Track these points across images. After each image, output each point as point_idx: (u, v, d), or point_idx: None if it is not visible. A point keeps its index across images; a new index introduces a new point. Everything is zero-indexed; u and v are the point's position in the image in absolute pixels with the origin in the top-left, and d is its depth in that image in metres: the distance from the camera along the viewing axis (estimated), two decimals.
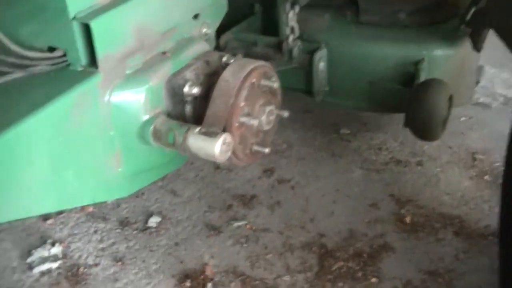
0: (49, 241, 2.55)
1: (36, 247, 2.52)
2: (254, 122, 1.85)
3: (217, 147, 1.74)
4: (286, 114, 2.03)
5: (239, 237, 2.54)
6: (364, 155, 3.00)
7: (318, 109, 3.30)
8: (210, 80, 1.89)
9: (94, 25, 1.60)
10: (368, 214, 2.62)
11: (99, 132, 1.78)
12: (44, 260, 2.45)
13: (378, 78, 2.50)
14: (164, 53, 1.90)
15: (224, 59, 1.97)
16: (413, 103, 2.33)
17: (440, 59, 2.48)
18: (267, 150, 1.95)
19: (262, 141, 1.99)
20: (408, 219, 2.56)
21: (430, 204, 2.65)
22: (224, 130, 1.78)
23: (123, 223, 2.62)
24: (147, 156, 1.93)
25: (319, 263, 2.39)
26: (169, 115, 1.88)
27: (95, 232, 2.59)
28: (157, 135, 1.82)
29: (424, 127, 2.37)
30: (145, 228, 2.60)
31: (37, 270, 2.41)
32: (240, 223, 2.59)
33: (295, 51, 2.56)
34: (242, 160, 1.92)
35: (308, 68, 2.57)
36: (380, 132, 3.14)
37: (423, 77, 2.41)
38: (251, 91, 1.83)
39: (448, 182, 2.79)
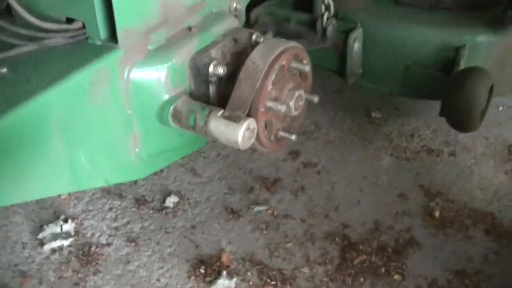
0: (62, 217, 2.47)
1: (49, 222, 2.45)
2: (282, 108, 1.73)
3: (240, 133, 1.63)
4: (316, 99, 1.90)
5: (259, 222, 2.44)
6: (394, 141, 2.86)
7: (349, 90, 3.16)
8: (237, 60, 1.77)
9: None
10: (396, 205, 2.50)
11: (117, 111, 1.69)
12: (55, 236, 2.38)
13: (415, 63, 2.38)
14: (190, 28, 1.79)
15: (254, 37, 1.86)
16: (452, 91, 2.21)
17: (482, 46, 2.35)
18: (293, 137, 1.84)
19: (289, 127, 1.87)
20: (437, 214, 2.44)
21: (461, 198, 2.52)
22: (249, 115, 1.68)
23: (140, 202, 2.54)
24: (166, 137, 1.83)
25: (341, 255, 2.29)
26: (192, 95, 1.78)
27: (110, 209, 2.51)
28: (177, 116, 1.72)
29: (461, 117, 2.25)
30: (162, 208, 2.51)
31: (48, 247, 2.34)
32: (261, 208, 2.49)
33: (329, 30, 2.44)
34: (267, 146, 1.81)
35: (342, 48, 2.44)
36: (413, 118, 3.00)
37: (463, 64, 2.29)
38: (280, 74, 1.72)
39: (482, 176, 2.64)
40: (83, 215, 2.50)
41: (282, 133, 1.84)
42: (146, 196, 2.57)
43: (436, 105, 2.27)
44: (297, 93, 1.81)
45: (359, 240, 2.34)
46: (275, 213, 2.47)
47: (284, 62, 1.72)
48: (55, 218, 2.48)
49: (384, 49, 2.44)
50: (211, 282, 2.17)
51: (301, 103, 1.85)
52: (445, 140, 2.84)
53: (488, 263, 2.23)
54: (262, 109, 1.71)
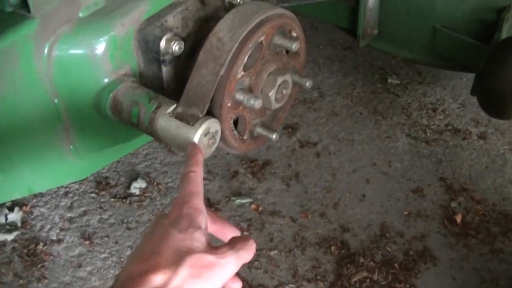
0: (8, 203, 2.07)
1: None
2: (257, 102, 1.25)
3: (195, 140, 1.17)
4: (308, 83, 1.40)
5: (240, 220, 2.01)
6: (413, 116, 2.37)
7: (363, 47, 2.65)
8: (203, 30, 1.29)
9: None
10: (409, 203, 2.05)
11: (37, 100, 1.26)
12: None
13: (445, 25, 1.96)
14: None
15: None
16: (489, 66, 1.80)
17: None
18: (274, 136, 1.37)
19: (270, 120, 1.41)
20: (458, 218, 1.98)
21: (490, 197, 2.06)
22: (210, 112, 1.22)
23: (101, 186, 2.12)
24: (108, 130, 1.39)
25: (336, 270, 1.86)
26: (142, 77, 1.32)
27: (66, 194, 2.10)
28: (117, 108, 1.27)
29: (498, 101, 1.82)
30: (126, 196, 2.09)
31: None
32: (244, 201, 2.06)
33: None
34: (237, 149, 1.35)
35: (353, 3, 2.04)
36: (437, 86, 2.49)
37: (506, 31, 1.88)
38: (257, 54, 1.24)
39: None
40: (34, 200, 2.09)
41: (259, 130, 1.37)
42: (109, 179, 2.15)
43: (469, 76, 1.79)
44: (280, 79, 1.32)
45: (360, 250, 1.91)
46: (261, 208, 2.04)
47: (262, 38, 1.24)
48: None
49: (407, 6, 2.03)
50: None
51: (286, 91, 1.36)
52: (474, 118, 2.35)
53: None
54: (229, 104, 1.25)
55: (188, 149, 1.02)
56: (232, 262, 0.74)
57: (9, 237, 1.98)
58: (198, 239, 0.75)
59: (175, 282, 0.69)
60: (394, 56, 2.46)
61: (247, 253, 0.77)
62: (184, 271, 0.70)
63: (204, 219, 0.79)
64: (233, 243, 0.77)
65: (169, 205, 2.06)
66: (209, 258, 0.73)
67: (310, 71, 2.57)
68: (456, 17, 1.97)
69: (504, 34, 1.86)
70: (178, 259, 0.72)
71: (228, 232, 0.88)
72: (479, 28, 1.94)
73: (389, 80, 2.54)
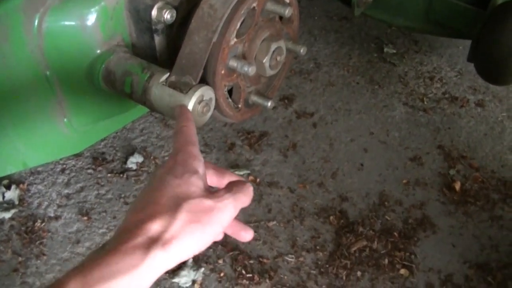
0: (5, 181, 2.05)
1: None
2: (250, 69, 1.23)
3: (189, 108, 1.16)
4: (302, 50, 1.39)
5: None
6: (410, 85, 2.35)
7: (359, 16, 2.62)
8: None
9: None
10: (407, 171, 2.04)
11: (28, 73, 1.25)
12: None
13: None
14: None
15: None
16: (486, 31, 1.75)
17: None
18: (270, 103, 1.36)
19: (265, 88, 1.40)
20: (457, 185, 1.97)
21: (488, 164, 2.05)
22: (203, 79, 1.21)
23: (97, 161, 2.10)
24: (102, 102, 1.38)
25: (335, 240, 1.85)
26: (134, 48, 1.31)
27: (63, 171, 2.08)
28: (110, 79, 1.26)
29: (496, 67, 1.79)
30: (123, 170, 2.07)
31: None
32: (241, 173, 2.04)
33: None
34: (232, 117, 1.34)
35: None
36: (434, 55, 2.47)
37: None
38: (250, 20, 1.23)
39: None
40: (31, 178, 2.07)
41: (254, 98, 1.36)
42: (106, 154, 2.13)
43: (465, 42, 1.76)
44: (274, 46, 1.31)
45: (359, 219, 1.90)
46: (258, 179, 2.02)
47: (255, 4, 1.22)
48: None
49: None
50: (174, 272, 1.76)
51: (280, 58, 1.35)
52: (472, 86, 2.33)
53: None
54: (223, 71, 1.24)
55: (176, 110, 1.01)
56: (230, 205, 0.73)
57: (7, 215, 1.96)
58: (195, 183, 0.74)
59: (173, 229, 0.68)
60: (389, 25, 2.43)
61: (244, 196, 0.76)
62: (182, 217, 0.69)
63: (201, 164, 0.78)
64: (230, 187, 0.76)
65: None
66: (207, 202, 0.72)
67: (305, 42, 2.54)
68: None
69: None
70: (175, 205, 0.70)
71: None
72: None
73: (385, 50, 2.51)
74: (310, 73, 2.41)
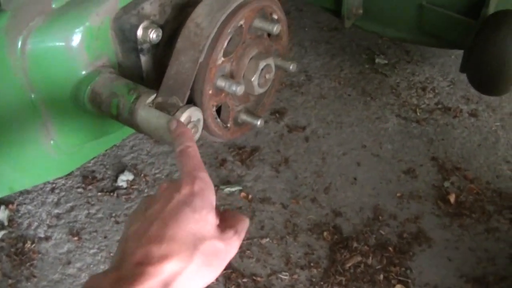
0: None
1: None
2: (238, 89, 1.21)
3: None
4: (292, 66, 1.35)
5: (229, 208, 1.97)
6: (403, 96, 2.33)
7: (349, 28, 2.61)
8: (182, 16, 1.25)
9: None
10: (401, 184, 2.02)
11: (12, 96, 1.23)
12: None
13: (431, 2, 1.91)
14: None
15: None
16: (477, 41, 1.74)
17: None
18: (259, 122, 1.33)
19: (255, 106, 1.37)
20: (452, 197, 1.95)
21: (483, 175, 2.03)
22: (191, 100, 1.18)
23: (87, 180, 2.07)
24: (89, 123, 1.35)
25: (330, 256, 1.83)
26: (121, 68, 1.28)
27: (52, 190, 2.05)
28: (96, 100, 1.23)
29: (488, 77, 1.77)
30: (113, 189, 2.04)
31: None
32: (233, 189, 2.02)
33: None
34: (221, 136, 1.32)
35: None
36: (426, 65, 2.45)
37: (493, 5, 1.81)
38: (237, 38, 1.20)
39: (510, 144, 2.15)
40: (20, 198, 2.04)
41: (244, 117, 1.33)
42: (96, 172, 2.10)
43: (457, 52, 1.75)
44: (262, 64, 1.28)
45: (353, 234, 1.88)
46: (250, 195, 2.00)
47: (242, 22, 1.20)
48: None
49: None
50: None
51: (269, 76, 1.32)
52: (464, 95, 2.31)
53: None
54: (210, 91, 1.21)
55: (172, 126, 0.98)
56: (235, 247, 0.73)
57: None
58: (210, 221, 0.72)
59: (188, 271, 0.67)
60: (380, 36, 2.42)
61: (244, 234, 0.76)
62: (197, 260, 0.68)
63: (213, 193, 0.75)
64: (235, 226, 0.75)
65: None
66: (219, 245, 0.71)
67: (296, 54, 2.52)
68: None
69: (491, 9, 1.81)
70: (193, 246, 0.69)
71: None
72: (466, 4, 1.89)
73: (377, 60, 2.50)
74: (301, 86, 2.39)
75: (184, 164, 0.80)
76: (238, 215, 0.79)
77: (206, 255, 0.69)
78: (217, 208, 0.77)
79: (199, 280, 0.68)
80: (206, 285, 0.69)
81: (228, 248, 0.72)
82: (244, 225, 0.77)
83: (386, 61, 2.49)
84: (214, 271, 0.70)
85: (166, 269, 0.66)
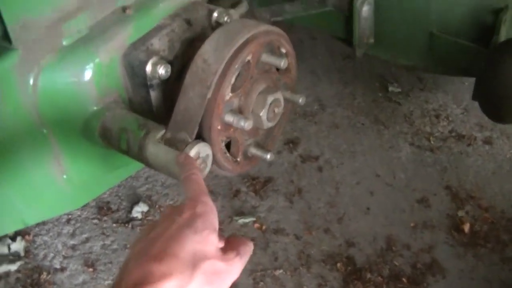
0: (11, 233, 2.04)
1: None
2: (246, 124, 1.21)
3: None
4: (301, 100, 1.36)
5: None
6: (416, 124, 2.33)
7: (362, 55, 2.62)
8: (191, 51, 1.27)
9: None
10: (415, 214, 2.01)
11: (24, 132, 1.25)
12: (2, 259, 1.97)
13: (441, 30, 1.91)
14: (124, 9, 1.28)
15: (215, 15, 1.34)
16: (489, 69, 1.73)
17: None
18: (268, 156, 1.33)
19: (264, 138, 1.38)
20: (466, 227, 1.94)
21: (498, 203, 2.01)
22: (199, 135, 1.19)
23: (103, 211, 2.09)
24: (101, 157, 1.37)
25: (343, 287, 1.82)
26: (131, 103, 1.30)
27: (68, 222, 2.08)
28: (106, 135, 1.25)
29: (500, 105, 1.76)
30: (128, 220, 2.06)
31: None
32: (247, 220, 2.02)
33: None
34: (231, 170, 1.32)
35: (347, 12, 1.99)
36: (439, 92, 2.46)
37: (504, 32, 1.80)
38: (245, 74, 1.21)
39: None
40: (37, 229, 2.07)
41: (253, 151, 1.34)
42: (111, 204, 2.13)
43: (470, 79, 1.76)
44: (270, 98, 1.29)
45: (366, 264, 1.87)
46: (264, 226, 2.00)
47: (249, 57, 1.21)
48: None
49: (402, 13, 1.98)
50: None
51: (278, 110, 1.32)
52: (478, 123, 2.31)
53: None
54: (219, 127, 1.22)
55: (180, 160, 0.99)
56: (238, 268, 0.74)
57: (13, 267, 1.95)
58: (212, 242, 0.73)
59: None
60: (392, 64, 2.43)
61: (248, 256, 0.77)
62: (198, 279, 0.69)
63: (216, 217, 0.77)
64: (237, 248, 0.76)
65: None
66: (220, 265, 0.72)
67: (309, 82, 2.54)
68: (452, 21, 1.92)
69: (502, 36, 1.80)
70: (193, 264, 0.70)
71: None
72: (477, 31, 1.89)
73: (390, 88, 2.50)
74: (314, 115, 2.40)
75: (188, 189, 0.82)
76: (242, 239, 0.80)
77: (206, 275, 0.70)
78: (221, 233, 0.78)
79: None
80: None
81: (229, 269, 0.73)
82: (247, 248, 0.78)
83: (399, 89, 2.49)
84: None
85: (167, 286, 0.67)
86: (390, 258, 1.88)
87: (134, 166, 1.52)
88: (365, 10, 1.98)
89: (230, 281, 0.73)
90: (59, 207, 1.46)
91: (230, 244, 0.77)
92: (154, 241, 0.72)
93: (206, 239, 0.73)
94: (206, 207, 0.77)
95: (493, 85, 1.74)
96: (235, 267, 0.74)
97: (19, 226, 1.43)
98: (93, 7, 1.22)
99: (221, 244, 0.76)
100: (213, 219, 0.76)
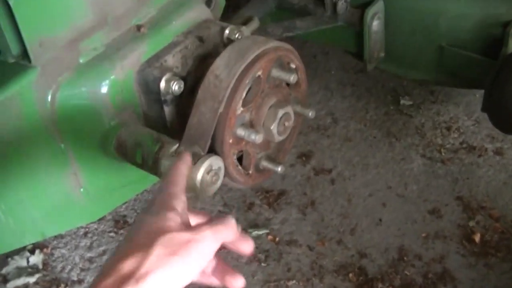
0: (29, 246, 2.10)
1: (14, 253, 2.08)
2: (257, 138, 1.25)
3: (197, 179, 1.20)
4: (311, 114, 1.40)
5: (257, 251, 2.01)
6: (427, 136, 2.36)
7: (374, 69, 2.65)
8: (203, 67, 1.32)
9: (15, 2, 1.07)
10: (426, 225, 2.03)
11: (43, 147, 1.30)
12: (20, 272, 2.02)
13: (450, 43, 1.93)
14: (139, 27, 1.33)
15: (227, 32, 1.39)
16: (497, 81, 1.75)
17: None
18: (279, 168, 1.37)
19: (276, 152, 1.41)
20: (477, 237, 1.96)
21: (509, 213, 2.03)
22: (212, 149, 1.23)
23: (119, 224, 2.14)
24: (117, 170, 1.42)
25: None
26: (146, 118, 1.35)
27: (85, 235, 2.13)
28: (122, 150, 1.29)
29: (508, 116, 1.76)
30: None
31: (11, 285, 1.98)
32: (260, 232, 2.06)
33: (341, 5, 2.00)
34: (243, 183, 1.36)
35: (358, 27, 2.02)
36: (450, 105, 2.48)
37: None
38: (256, 88, 1.25)
39: None
40: (55, 242, 2.12)
41: (265, 164, 1.38)
42: (127, 217, 2.17)
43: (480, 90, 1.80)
44: (281, 112, 1.33)
45: (378, 275, 1.89)
46: (277, 238, 2.04)
47: (260, 72, 1.25)
48: (21, 248, 2.10)
49: (412, 27, 2.00)
50: None
51: (288, 123, 1.36)
52: (489, 134, 2.32)
53: None
54: (230, 140, 1.26)
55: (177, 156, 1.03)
56: (209, 237, 0.73)
57: (31, 279, 2.01)
58: (171, 219, 0.73)
59: (148, 264, 0.67)
60: (403, 78, 2.46)
61: (225, 229, 0.76)
62: (156, 252, 0.68)
63: (180, 203, 0.77)
64: (210, 220, 0.78)
65: None
66: (184, 235, 0.71)
67: (322, 97, 2.58)
68: (461, 34, 1.93)
69: (510, 48, 1.83)
70: (149, 241, 0.70)
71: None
72: (486, 44, 1.90)
73: (402, 101, 2.53)
74: (327, 129, 2.44)
75: (161, 181, 0.85)
76: (221, 216, 0.80)
77: (168, 246, 0.69)
78: (207, 213, 0.81)
79: (167, 268, 0.68)
80: (184, 273, 0.69)
81: (196, 237, 0.71)
82: (222, 219, 0.77)
83: (411, 102, 2.52)
84: (186, 259, 0.70)
85: (123, 266, 0.67)
86: (401, 268, 1.90)
87: (149, 180, 1.57)
88: (375, 25, 2.01)
89: (202, 250, 0.71)
90: (76, 219, 1.50)
91: (206, 221, 0.78)
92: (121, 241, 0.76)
93: (163, 218, 0.73)
94: (167, 195, 0.77)
95: (501, 96, 1.77)
96: (203, 235, 0.72)
97: (38, 238, 1.47)
98: (109, 26, 1.27)
99: (184, 220, 0.75)
100: (172, 202, 0.76)
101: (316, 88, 2.56)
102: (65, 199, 1.40)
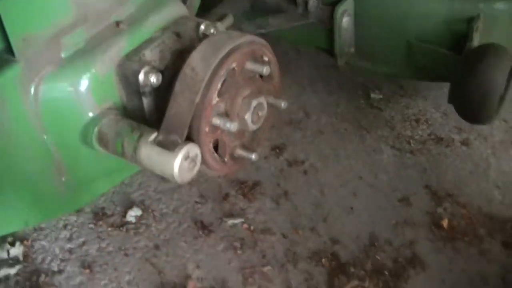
0: (10, 238, 2.13)
1: None
2: (232, 125, 1.32)
3: (175, 165, 1.26)
4: (283, 104, 1.47)
5: (233, 240, 2.07)
6: (397, 128, 2.44)
7: (345, 65, 2.72)
8: (180, 61, 1.37)
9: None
10: (396, 212, 2.11)
11: (27, 139, 1.34)
12: (1, 263, 2.05)
13: (418, 38, 2.03)
14: (118, 23, 1.39)
15: (202, 28, 1.45)
16: (462, 74, 1.83)
17: (501, 16, 1.97)
18: (254, 156, 1.44)
19: (250, 141, 1.48)
20: (445, 222, 2.04)
21: (475, 200, 2.12)
22: (189, 137, 1.30)
23: (98, 216, 2.18)
24: (98, 161, 1.47)
25: (328, 281, 1.92)
26: (126, 110, 1.40)
27: (65, 227, 2.16)
28: (103, 140, 1.35)
29: (473, 107, 1.86)
30: (122, 224, 2.16)
31: None
32: (236, 221, 2.12)
33: (312, 3, 2.07)
34: (219, 170, 1.43)
35: (328, 24, 2.08)
36: (419, 98, 2.57)
37: (477, 39, 1.91)
38: (231, 80, 1.32)
39: (501, 170, 2.23)
40: (35, 234, 2.15)
41: (240, 152, 1.44)
42: (106, 209, 2.22)
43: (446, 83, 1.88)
44: (255, 102, 1.40)
45: (350, 260, 1.97)
46: (252, 227, 2.10)
47: (234, 65, 1.32)
48: (1, 240, 2.14)
49: (380, 23, 2.09)
50: None
51: (261, 113, 1.43)
52: (456, 126, 2.42)
53: (507, 286, 1.85)
54: (207, 129, 1.32)
55: None
56: None
57: (12, 271, 2.04)
58: None
59: None
60: (373, 74, 2.53)
61: None
62: None
63: None
64: None
65: (164, 230, 2.13)
66: None
67: (295, 92, 2.65)
68: (428, 30, 2.01)
69: (475, 43, 1.90)
70: None
71: None
72: (452, 39, 1.98)
73: (372, 95, 2.61)
74: (299, 122, 2.51)
75: None
76: None
77: None
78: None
79: None
80: None
81: None
82: None
83: (381, 96, 2.60)
84: None
85: None
86: (372, 253, 1.98)
87: (129, 169, 1.62)
88: (345, 21, 2.08)
89: None
90: (58, 209, 1.55)
91: None
92: None
93: None
94: None
95: (466, 88, 1.85)
96: None
97: (22, 226, 1.52)
98: (90, 22, 1.32)
99: None
100: None
101: (288, 85, 2.63)
102: (48, 189, 1.45)
